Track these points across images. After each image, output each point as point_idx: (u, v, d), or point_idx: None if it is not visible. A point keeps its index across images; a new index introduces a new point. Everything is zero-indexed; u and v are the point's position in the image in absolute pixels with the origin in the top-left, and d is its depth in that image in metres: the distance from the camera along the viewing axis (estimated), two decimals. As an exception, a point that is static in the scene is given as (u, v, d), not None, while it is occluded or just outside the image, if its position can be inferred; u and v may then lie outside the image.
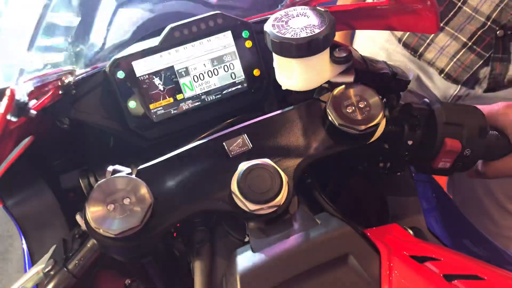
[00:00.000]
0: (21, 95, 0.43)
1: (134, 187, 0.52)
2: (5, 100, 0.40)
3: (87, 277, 0.60)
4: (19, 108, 0.43)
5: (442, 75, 0.99)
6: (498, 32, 0.88)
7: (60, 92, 0.58)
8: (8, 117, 0.41)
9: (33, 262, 0.69)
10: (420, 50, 1.01)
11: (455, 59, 0.96)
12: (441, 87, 1.04)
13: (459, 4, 0.90)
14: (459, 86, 0.99)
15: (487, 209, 1.14)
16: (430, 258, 0.49)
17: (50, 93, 0.53)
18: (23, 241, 0.72)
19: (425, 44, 1.00)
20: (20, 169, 0.66)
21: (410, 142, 0.66)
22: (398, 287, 0.47)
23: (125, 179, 0.52)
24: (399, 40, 1.03)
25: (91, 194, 0.51)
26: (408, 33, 1.01)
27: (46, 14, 0.44)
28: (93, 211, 0.50)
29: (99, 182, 0.52)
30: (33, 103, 0.49)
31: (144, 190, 0.51)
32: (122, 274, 0.81)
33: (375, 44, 1.12)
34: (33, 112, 0.46)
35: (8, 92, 0.40)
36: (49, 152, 0.73)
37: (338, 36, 1.28)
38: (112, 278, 0.86)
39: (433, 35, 0.97)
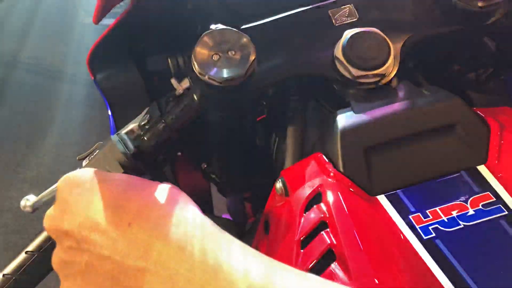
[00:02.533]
0: None
1: (239, 40, 0.51)
2: None
3: (184, 133, 0.61)
4: None
5: None
6: None
7: None
8: None
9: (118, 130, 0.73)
10: None
11: None
12: None
13: None
14: None
15: None
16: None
17: None
18: (109, 111, 0.75)
19: None
20: (111, 44, 0.68)
21: None
22: (507, 163, 0.45)
23: (232, 31, 0.52)
24: None
25: (201, 38, 0.51)
26: None
27: None
28: (200, 54, 0.50)
29: (208, 31, 0.52)
30: None
31: (249, 44, 0.51)
32: (200, 159, 0.83)
33: None
34: None
35: None
36: (139, 32, 0.74)
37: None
38: (190, 162, 0.89)
39: None
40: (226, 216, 1.05)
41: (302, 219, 0.44)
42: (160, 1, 0.68)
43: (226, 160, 0.80)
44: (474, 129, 0.46)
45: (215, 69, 0.50)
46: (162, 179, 0.61)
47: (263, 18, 0.67)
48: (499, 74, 0.68)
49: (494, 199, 0.42)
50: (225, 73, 0.50)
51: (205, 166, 0.83)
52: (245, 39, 0.51)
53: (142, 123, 0.62)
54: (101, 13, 0.50)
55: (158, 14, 0.72)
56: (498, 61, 0.65)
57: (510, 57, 0.63)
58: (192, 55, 0.51)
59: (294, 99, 0.59)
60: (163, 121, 0.59)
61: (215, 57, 0.51)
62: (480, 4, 0.53)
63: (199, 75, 0.51)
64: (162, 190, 0.35)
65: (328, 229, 0.41)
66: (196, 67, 0.51)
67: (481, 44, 0.63)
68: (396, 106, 0.48)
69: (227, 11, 0.69)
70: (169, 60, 0.70)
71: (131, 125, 0.64)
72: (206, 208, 0.95)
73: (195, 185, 0.89)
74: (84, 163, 0.57)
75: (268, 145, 0.70)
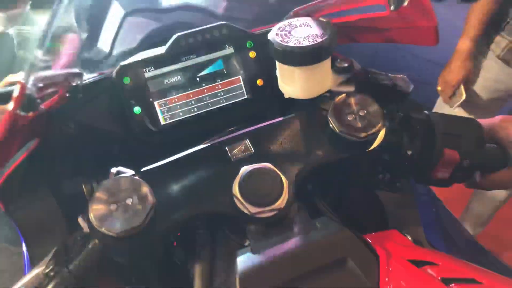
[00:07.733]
0: (31, 90, 0.44)
1: (137, 187, 0.52)
2: (15, 94, 0.41)
3: (88, 279, 0.60)
4: (28, 102, 0.44)
5: None
6: None
7: (67, 94, 0.59)
8: (18, 111, 0.42)
9: (32, 266, 0.70)
10: None
11: None
12: None
13: None
14: None
15: None
16: (428, 262, 0.49)
17: (57, 94, 0.54)
18: (24, 246, 0.73)
19: None
20: (23, 173, 0.67)
21: (409, 152, 0.67)
22: (396, 291, 0.47)
23: (128, 179, 0.53)
24: (498, 56, 1.46)
25: (95, 193, 0.51)
26: (505, 50, 1.43)
27: (57, 14, 0.46)
28: (96, 209, 0.51)
29: (103, 182, 0.52)
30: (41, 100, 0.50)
31: (146, 191, 0.52)
32: (123, 282, 0.81)
33: None
34: (42, 107, 0.47)
35: (18, 86, 0.41)
36: (53, 157, 0.74)
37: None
38: (112, 286, 0.86)
39: None
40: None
41: None
42: (66, 138, 0.69)
43: (149, 283, 0.78)
44: (364, 261, 0.49)
45: (111, 221, 0.50)
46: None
47: (170, 146, 0.70)
48: (395, 179, 0.73)
49: None
50: (122, 225, 0.50)
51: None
52: (143, 187, 0.52)
53: (47, 270, 0.60)
54: None
55: (69, 142, 0.73)
56: (392, 168, 0.71)
57: (399, 164, 0.68)
58: (89, 207, 0.51)
59: (200, 233, 0.60)
60: (67, 269, 0.57)
61: (113, 207, 0.51)
62: (361, 135, 0.58)
63: (96, 227, 0.51)
64: None
65: None
66: (92, 221, 0.51)
67: (375, 157, 0.69)
68: (291, 244, 0.51)
69: (135, 140, 0.71)
70: (83, 186, 0.70)
71: (36, 270, 0.62)
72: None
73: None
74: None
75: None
